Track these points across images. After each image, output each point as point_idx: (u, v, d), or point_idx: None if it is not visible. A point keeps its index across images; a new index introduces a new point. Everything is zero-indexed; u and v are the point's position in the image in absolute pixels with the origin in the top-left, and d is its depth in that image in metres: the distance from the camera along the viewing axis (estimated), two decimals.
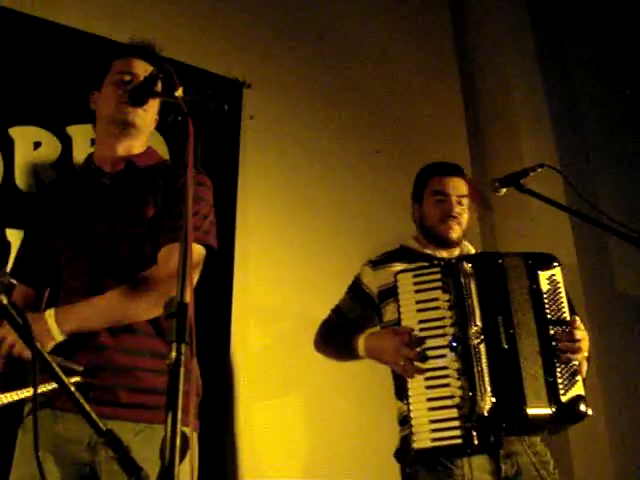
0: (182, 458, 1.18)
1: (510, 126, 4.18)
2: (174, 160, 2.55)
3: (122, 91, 1.98)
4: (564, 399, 2.02)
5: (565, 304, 2.14)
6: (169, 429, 1.14)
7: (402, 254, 2.42)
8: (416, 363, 2.06)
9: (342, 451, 3.20)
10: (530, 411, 1.98)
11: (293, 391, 3.26)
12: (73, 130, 2.79)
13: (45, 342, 1.75)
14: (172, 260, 1.80)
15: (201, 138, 1.41)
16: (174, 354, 1.19)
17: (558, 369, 2.05)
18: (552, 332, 2.08)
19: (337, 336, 2.42)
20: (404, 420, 2.15)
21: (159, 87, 1.78)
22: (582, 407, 2.02)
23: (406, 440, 2.14)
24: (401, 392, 2.16)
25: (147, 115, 2.06)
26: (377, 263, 2.40)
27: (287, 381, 3.25)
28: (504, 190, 2.19)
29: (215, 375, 2.99)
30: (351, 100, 3.96)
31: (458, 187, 2.44)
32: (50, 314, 1.80)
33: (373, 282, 2.38)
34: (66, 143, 2.76)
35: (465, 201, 2.43)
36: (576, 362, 2.07)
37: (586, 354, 2.11)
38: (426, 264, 2.21)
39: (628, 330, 3.95)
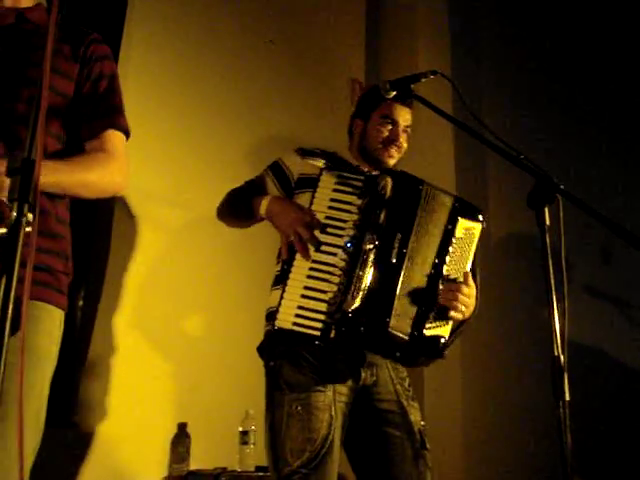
0: (14, 330, 1.09)
1: (409, 34, 4.12)
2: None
3: None
4: (426, 333, 2.04)
5: (469, 260, 2.15)
6: (1, 295, 1.04)
7: (332, 157, 2.35)
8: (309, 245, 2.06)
9: (198, 341, 3.20)
10: (390, 328, 1.99)
11: (158, 274, 3.18)
12: None
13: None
14: (120, 149, 1.85)
15: None
16: (14, 214, 1.07)
17: (433, 308, 2.06)
18: (445, 275, 2.09)
19: (242, 197, 2.35)
20: (271, 315, 2.14)
21: None
22: (439, 348, 2.06)
23: (270, 335, 2.16)
24: (282, 277, 2.14)
25: None
26: (306, 153, 2.33)
27: (153, 264, 3.17)
28: (393, 93, 2.12)
29: (76, 250, 2.88)
30: None
31: (407, 118, 2.42)
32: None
33: (296, 167, 2.31)
34: None
35: (409, 132, 2.43)
36: (453, 313, 2.08)
37: (465, 309, 2.11)
38: (354, 171, 2.21)
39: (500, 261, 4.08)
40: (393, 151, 2.38)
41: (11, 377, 1.06)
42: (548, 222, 1.68)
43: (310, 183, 2.18)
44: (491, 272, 3.92)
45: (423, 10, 4.23)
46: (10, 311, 1.03)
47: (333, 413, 2.04)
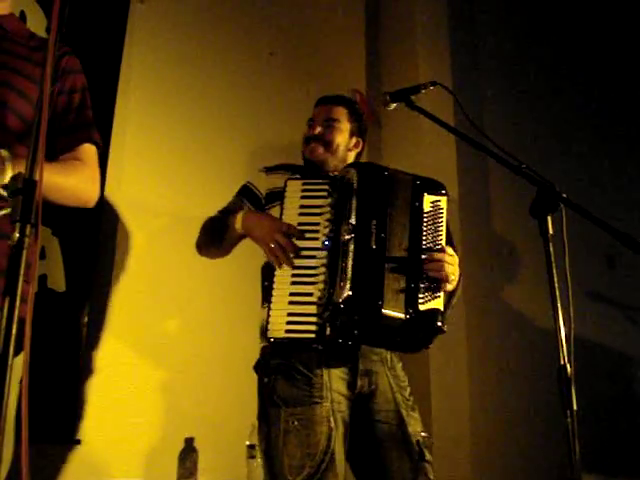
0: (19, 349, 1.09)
1: (410, 44, 4.13)
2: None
3: None
4: (422, 308, 1.99)
5: (443, 230, 2.13)
6: (5, 315, 1.04)
7: (295, 167, 2.41)
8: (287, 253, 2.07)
9: (203, 356, 3.19)
10: (385, 310, 1.94)
11: (162, 288, 3.17)
12: None
13: None
14: (95, 161, 1.87)
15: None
16: (17, 235, 1.07)
17: (422, 282, 2.03)
18: (424, 248, 2.08)
19: (216, 223, 2.37)
20: (263, 332, 2.13)
21: None
22: (438, 321, 2.01)
23: (265, 350, 2.17)
24: (267, 293, 2.13)
25: None
26: (270, 169, 2.41)
27: (157, 279, 3.16)
28: (394, 105, 2.14)
29: (80, 267, 2.88)
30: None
31: (327, 112, 2.47)
32: (7, 154, 1.57)
33: (263, 184, 2.38)
34: None
35: (336, 124, 2.45)
36: (441, 281, 2.05)
37: (453, 277, 2.10)
38: (318, 176, 2.25)
39: (502, 263, 4.08)
40: (313, 145, 2.42)
41: None
42: (551, 231, 1.68)
43: (278, 196, 2.21)
44: (499, 278, 3.94)
45: (423, 19, 4.23)
46: (14, 331, 1.03)
47: (332, 425, 2.03)
